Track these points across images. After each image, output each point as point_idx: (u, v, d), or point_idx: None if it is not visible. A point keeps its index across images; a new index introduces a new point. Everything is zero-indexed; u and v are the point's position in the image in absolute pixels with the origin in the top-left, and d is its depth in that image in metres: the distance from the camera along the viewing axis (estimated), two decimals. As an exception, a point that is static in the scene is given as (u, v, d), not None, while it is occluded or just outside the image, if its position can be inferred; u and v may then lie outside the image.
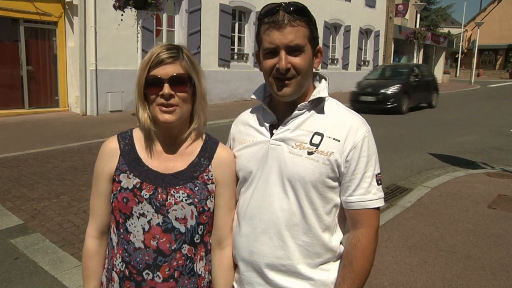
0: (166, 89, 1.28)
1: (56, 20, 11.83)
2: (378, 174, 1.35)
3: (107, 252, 1.43)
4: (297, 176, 1.31)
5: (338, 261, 1.39)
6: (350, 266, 1.31)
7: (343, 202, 1.36)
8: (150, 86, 1.30)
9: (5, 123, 10.09)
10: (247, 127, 1.47)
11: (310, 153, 1.31)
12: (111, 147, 1.39)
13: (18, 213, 4.66)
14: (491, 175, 6.66)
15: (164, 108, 1.30)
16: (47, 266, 3.55)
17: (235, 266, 1.46)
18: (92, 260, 1.42)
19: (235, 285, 1.46)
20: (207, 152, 1.42)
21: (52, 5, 11.64)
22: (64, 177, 6.04)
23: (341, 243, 1.41)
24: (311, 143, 1.32)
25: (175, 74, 1.29)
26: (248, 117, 1.51)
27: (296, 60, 1.29)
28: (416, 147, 8.86)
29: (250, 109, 1.54)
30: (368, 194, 1.32)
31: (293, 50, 1.28)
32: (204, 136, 1.45)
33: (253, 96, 1.49)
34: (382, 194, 1.35)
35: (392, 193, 5.75)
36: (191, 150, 1.41)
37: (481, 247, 4.00)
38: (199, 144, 1.43)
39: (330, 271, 1.37)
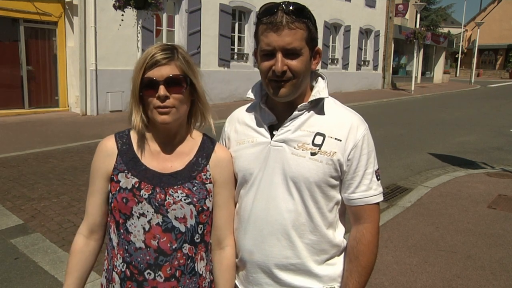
0: (162, 91, 1.26)
1: (56, 20, 11.83)
2: (377, 170, 1.39)
3: (106, 253, 1.42)
4: (302, 177, 1.32)
5: (342, 255, 1.43)
6: (357, 261, 1.36)
7: (345, 199, 1.38)
8: (145, 88, 1.29)
9: (5, 123, 10.09)
10: (244, 127, 1.46)
11: (313, 154, 1.32)
12: (109, 146, 1.38)
13: (18, 213, 4.66)
14: (491, 175, 6.67)
15: (160, 110, 1.29)
16: (47, 266, 3.55)
17: (241, 268, 1.46)
18: (75, 258, 1.42)
19: (240, 286, 1.47)
20: (205, 152, 1.41)
21: (52, 5, 11.63)
22: (64, 177, 6.04)
23: (343, 237, 1.45)
24: (313, 144, 1.33)
25: (170, 75, 1.27)
26: (244, 116, 1.49)
27: (293, 63, 1.28)
28: (416, 147, 8.86)
29: (245, 107, 1.52)
30: (369, 190, 1.36)
31: (290, 53, 1.27)
32: (201, 135, 1.45)
33: (250, 95, 1.47)
34: (381, 189, 1.40)
35: (392, 193, 5.75)
36: (188, 149, 1.40)
37: (481, 247, 4.00)
38: (196, 144, 1.42)
39: (336, 265, 1.42)
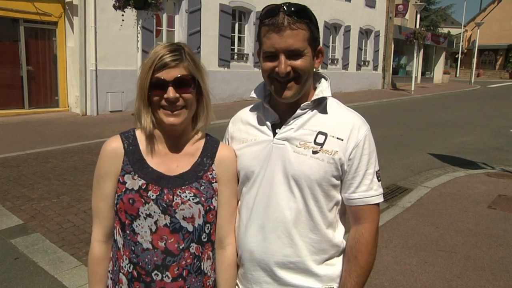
0: (171, 92, 1.27)
1: (56, 20, 11.82)
2: (378, 171, 1.40)
3: (111, 255, 1.42)
4: (303, 175, 1.33)
5: (342, 256, 1.43)
6: (355, 260, 1.36)
7: (345, 198, 1.39)
8: (154, 88, 1.29)
9: (5, 123, 10.09)
10: (247, 126, 1.47)
11: (315, 152, 1.33)
12: (115, 146, 1.37)
13: (18, 213, 4.66)
14: (491, 175, 6.67)
15: (169, 112, 1.29)
16: (47, 266, 3.55)
17: (240, 266, 1.46)
18: (101, 266, 1.40)
19: (239, 284, 1.47)
20: (209, 152, 1.42)
21: (52, 5, 11.63)
22: (64, 177, 6.04)
23: (343, 238, 1.45)
24: (315, 142, 1.34)
25: (178, 76, 1.28)
26: (248, 116, 1.50)
27: (297, 63, 1.29)
28: (416, 147, 8.86)
29: (248, 108, 1.54)
30: (370, 191, 1.36)
31: (293, 54, 1.28)
32: (205, 135, 1.46)
33: (253, 95, 1.48)
34: (382, 190, 1.40)
35: (392, 193, 5.75)
36: (193, 150, 1.41)
37: (481, 247, 4.00)
38: (201, 144, 1.43)
39: (335, 266, 1.42)
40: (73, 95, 12.16)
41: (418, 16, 23.35)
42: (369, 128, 1.39)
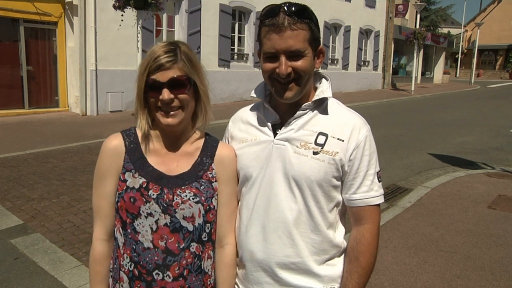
0: (166, 94, 1.27)
1: (56, 20, 11.82)
2: (379, 171, 1.39)
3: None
4: (303, 175, 1.33)
5: (342, 256, 1.43)
6: (357, 261, 1.36)
7: (346, 199, 1.38)
8: (150, 90, 1.30)
9: (5, 123, 10.09)
10: (247, 126, 1.47)
11: (315, 153, 1.33)
12: (116, 144, 1.37)
13: (18, 213, 4.66)
14: (491, 175, 6.67)
15: (165, 113, 1.30)
16: (47, 266, 3.55)
17: (241, 266, 1.46)
18: (103, 265, 1.40)
19: (240, 285, 1.47)
20: (209, 151, 1.42)
21: (52, 5, 11.63)
22: (64, 177, 6.04)
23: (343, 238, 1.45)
24: (316, 143, 1.34)
25: (173, 76, 1.28)
26: (248, 115, 1.49)
27: (297, 64, 1.28)
28: (416, 147, 8.86)
29: (248, 107, 1.53)
30: (371, 192, 1.36)
31: (293, 55, 1.27)
32: (204, 135, 1.46)
33: (253, 95, 1.47)
34: (382, 191, 1.40)
35: (392, 193, 5.75)
36: (193, 150, 1.41)
37: (481, 247, 4.00)
38: (200, 144, 1.43)
39: (336, 266, 1.41)
40: (73, 95, 12.16)
41: (418, 16, 23.34)
42: (369, 128, 1.39)
